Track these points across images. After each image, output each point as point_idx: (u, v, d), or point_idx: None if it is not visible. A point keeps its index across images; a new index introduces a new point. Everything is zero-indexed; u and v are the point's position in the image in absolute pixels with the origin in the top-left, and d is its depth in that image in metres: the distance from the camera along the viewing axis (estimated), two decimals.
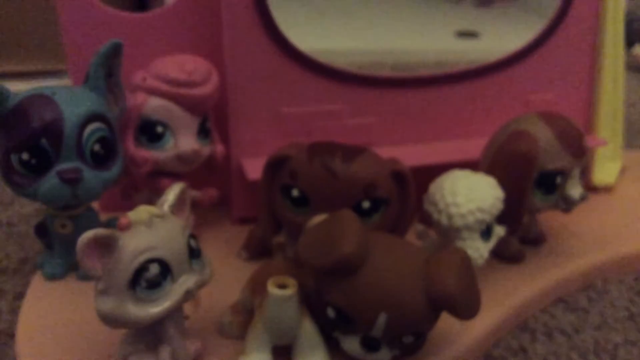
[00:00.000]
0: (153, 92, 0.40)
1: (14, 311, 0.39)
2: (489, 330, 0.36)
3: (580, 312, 0.41)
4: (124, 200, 0.44)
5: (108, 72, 0.37)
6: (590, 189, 0.54)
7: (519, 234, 0.42)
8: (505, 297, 0.39)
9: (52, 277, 0.39)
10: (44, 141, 0.34)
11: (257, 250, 0.42)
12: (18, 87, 0.35)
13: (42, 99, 0.35)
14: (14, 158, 0.34)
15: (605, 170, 0.55)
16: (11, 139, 0.34)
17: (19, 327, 0.35)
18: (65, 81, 0.41)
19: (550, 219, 0.48)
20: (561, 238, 0.47)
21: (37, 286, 0.39)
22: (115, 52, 0.37)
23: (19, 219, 0.52)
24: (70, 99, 0.35)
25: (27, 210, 0.54)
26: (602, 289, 0.43)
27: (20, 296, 0.40)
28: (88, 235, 0.27)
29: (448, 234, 0.36)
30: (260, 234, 0.41)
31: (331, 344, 0.32)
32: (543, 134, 0.39)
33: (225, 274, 0.39)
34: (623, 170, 0.56)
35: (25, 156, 0.34)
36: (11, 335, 0.37)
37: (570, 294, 0.43)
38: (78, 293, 0.38)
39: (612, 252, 0.45)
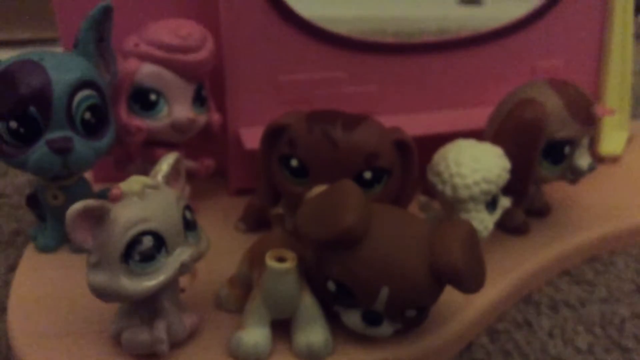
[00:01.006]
0: (146, 58, 0.39)
1: (7, 284, 0.39)
2: (493, 304, 0.36)
3: (586, 284, 0.40)
4: (117, 170, 0.43)
5: (99, 37, 0.36)
6: (597, 159, 0.53)
7: (524, 205, 0.42)
8: (510, 270, 0.38)
9: (44, 249, 0.39)
10: (32, 109, 0.33)
11: (255, 222, 0.42)
12: (9, 55, 0.34)
13: (29, 64, 0.34)
14: (1, 127, 0.34)
15: (612, 140, 0.54)
16: None
17: (11, 300, 0.34)
18: (58, 49, 0.40)
19: (555, 190, 0.47)
20: (566, 209, 0.46)
21: (30, 258, 0.38)
22: (105, 15, 0.36)
23: (12, 190, 0.51)
24: (59, 64, 0.34)
25: (20, 180, 0.53)
26: (608, 261, 0.43)
27: (12, 269, 0.40)
28: (77, 206, 0.26)
29: (452, 206, 0.36)
30: (259, 205, 0.41)
31: (331, 318, 0.31)
32: (552, 102, 0.38)
33: (223, 247, 0.38)
34: (630, 140, 0.56)
35: (13, 125, 0.33)
36: (3, 309, 0.36)
37: (576, 266, 0.42)
38: (71, 265, 0.37)
39: (619, 223, 0.44)
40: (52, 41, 0.84)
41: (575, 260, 0.42)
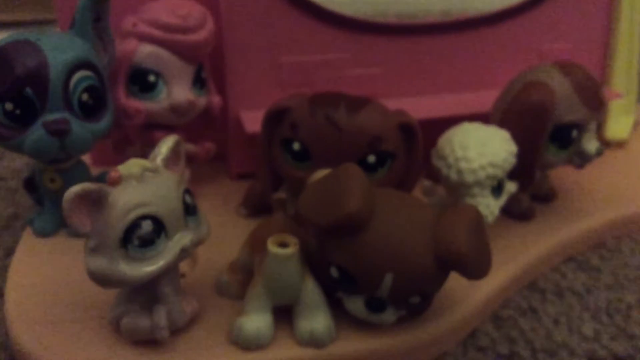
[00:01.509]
0: (144, 38, 0.38)
1: (4, 268, 0.38)
2: (498, 290, 0.36)
3: (592, 271, 0.40)
4: (116, 154, 0.43)
5: (96, 17, 0.36)
6: (603, 143, 0.53)
7: (530, 191, 0.41)
8: (515, 256, 0.38)
9: (42, 234, 0.38)
10: (28, 90, 0.33)
11: (257, 206, 0.42)
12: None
13: (25, 44, 0.33)
14: None
15: (618, 125, 0.54)
16: None
17: (8, 285, 0.34)
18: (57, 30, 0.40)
19: (561, 175, 0.47)
20: (572, 195, 0.46)
21: (27, 243, 0.38)
22: None
23: (9, 173, 0.51)
24: (56, 44, 0.34)
25: (18, 164, 0.53)
26: (614, 248, 0.43)
27: (10, 253, 0.39)
28: (75, 190, 0.25)
29: (457, 190, 0.35)
30: (260, 189, 0.40)
31: (334, 304, 0.31)
32: (560, 85, 0.38)
33: (224, 232, 0.38)
34: (636, 125, 0.56)
35: (8, 106, 0.33)
36: (0, 294, 0.36)
37: (582, 252, 0.42)
38: (69, 250, 0.37)
39: (625, 209, 0.44)
40: (50, 22, 0.84)
41: (581, 246, 0.42)
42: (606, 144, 0.53)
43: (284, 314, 0.31)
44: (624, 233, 0.44)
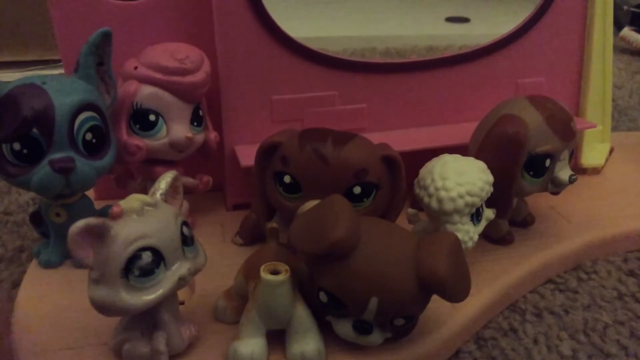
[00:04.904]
0: (145, 80, 0.40)
1: (11, 299, 0.39)
2: (480, 312, 0.37)
3: (570, 292, 0.41)
4: (118, 187, 0.44)
5: (99, 61, 0.37)
6: (579, 170, 0.54)
7: (508, 217, 0.43)
8: (495, 279, 0.39)
9: (48, 265, 0.39)
10: (35, 131, 0.34)
11: (252, 236, 0.43)
12: (14, 77, 0.35)
13: (32, 88, 0.35)
14: (5, 148, 0.34)
15: (594, 152, 0.55)
16: (2, 129, 0.34)
17: (16, 315, 0.35)
18: (62, 71, 0.41)
19: (539, 201, 0.48)
20: (550, 219, 0.47)
21: (34, 274, 0.39)
22: (104, 40, 0.37)
23: (15, 207, 0.52)
24: (61, 88, 0.35)
25: (24, 198, 0.54)
26: (591, 270, 0.44)
27: (17, 284, 0.40)
28: (79, 224, 0.27)
29: (439, 218, 0.37)
30: (254, 219, 0.42)
31: (324, 327, 0.32)
32: (532, 118, 0.40)
33: (220, 260, 0.39)
34: (611, 152, 0.57)
35: (16, 146, 0.34)
36: (8, 324, 0.36)
37: (560, 274, 0.43)
38: (74, 280, 0.38)
39: (601, 233, 0.45)
40: (55, 62, 0.85)
41: (559, 268, 0.43)
42: (583, 170, 0.54)
43: (277, 337, 0.32)
44: (600, 256, 0.45)
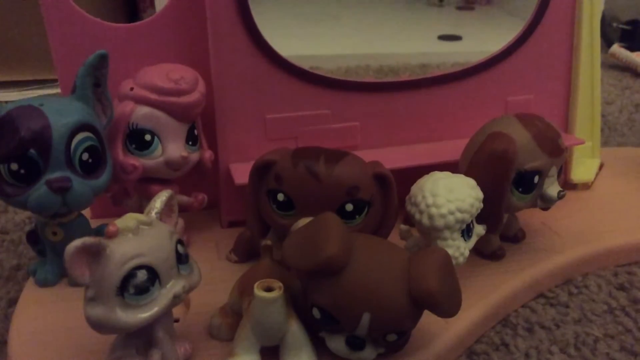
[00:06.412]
0: (141, 101, 0.41)
1: (7, 317, 0.40)
2: (471, 326, 0.37)
3: (561, 306, 0.42)
4: (115, 206, 0.45)
5: (95, 82, 0.38)
6: (569, 186, 0.55)
7: (498, 232, 0.43)
8: (487, 294, 0.40)
9: (44, 284, 0.40)
10: (32, 151, 0.34)
11: (246, 253, 0.43)
12: (12, 96, 0.36)
13: (29, 109, 0.35)
14: (2, 168, 0.35)
15: (583, 168, 0.56)
16: None
17: (12, 333, 0.35)
18: (59, 90, 0.42)
19: (529, 216, 0.49)
20: (541, 235, 0.47)
21: (30, 292, 0.39)
22: (101, 62, 0.37)
23: (12, 226, 0.53)
24: (58, 109, 0.36)
25: (21, 217, 0.54)
26: (581, 284, 0.44)
27: (13, 302, 0.41)
28: (75, 243, 0.27)
29: (430, 234, 0.37)
30: (249, 237, 0.42)
31: (318, 343, 0.33)
32: (520, 135, 0.40)
33: (215, 277, 0.40)
34: (601, 167, 0.57)
35: (14, 166, 0.35)
36: (4, 342, 0.37)
37: (551, 289, 0.44)
38: (70, 299, 0.38)
39: (591, 247, 0.46)
40: (52, 82, 0.85)
41: (550, 283, 0.44)
42: (573, 185, 0.55)
43: (271, 354, 0.32)
44: (590, 270, 0.46)
